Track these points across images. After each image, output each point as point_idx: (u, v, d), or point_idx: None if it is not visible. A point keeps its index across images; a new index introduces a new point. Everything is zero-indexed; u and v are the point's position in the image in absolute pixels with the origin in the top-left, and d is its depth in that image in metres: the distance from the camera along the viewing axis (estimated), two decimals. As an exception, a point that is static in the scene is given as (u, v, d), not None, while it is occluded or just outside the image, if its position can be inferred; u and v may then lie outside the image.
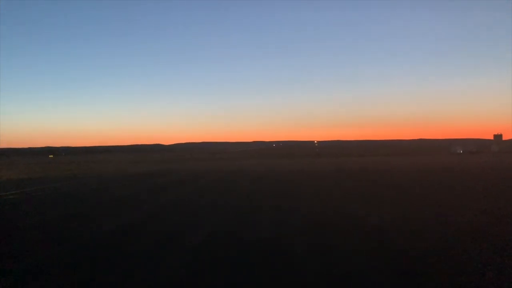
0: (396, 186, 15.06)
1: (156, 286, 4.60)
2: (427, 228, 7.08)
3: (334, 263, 5.21)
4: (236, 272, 4.99)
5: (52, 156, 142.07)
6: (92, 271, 5.19)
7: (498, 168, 26.05)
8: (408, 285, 4.33)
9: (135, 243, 6.84)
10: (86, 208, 11.18)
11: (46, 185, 19.48)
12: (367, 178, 19.28)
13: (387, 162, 38.85)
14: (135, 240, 7.09)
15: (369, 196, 12.02)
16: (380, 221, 7.89)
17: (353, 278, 4.58)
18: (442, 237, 6.35)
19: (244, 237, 6.95)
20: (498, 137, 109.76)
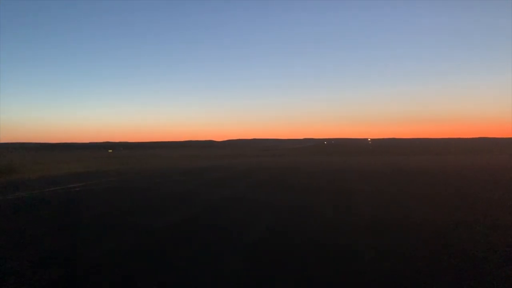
0: (462, 190, 14.13)
1: (219, 276, 4.73)
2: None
3: (398, 268, 4.92)
4: (294, 271, 4.92)
5: (111, 150, 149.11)
6: (162, 257, 5.36)
7: None
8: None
9: (198, 235, 6.90)
10: (148, 201, 11.53)
11: (107, 178, 20.35)
12: (430, 179, 18.33)
13: (448, 161, 36.87)
14: (197, 232, 7.16)
15: (436, 200, 11.35)
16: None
17: None
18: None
19: (299, 236, 6.77)
20: None
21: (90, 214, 9.27)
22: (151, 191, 14.02)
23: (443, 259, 5.25)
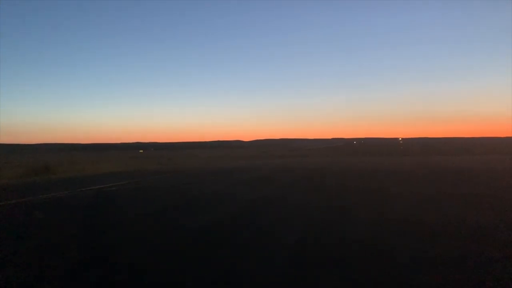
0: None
1: (260, 274, 4.72)
2: None
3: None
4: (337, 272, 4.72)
5: (142, 151, 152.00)
6: (201, 258, 5.26)
7: None
8: None
9: (236, 235, 6.82)
10: (183, 201, 11.53)
11: (142, 177, 20.60)
12: (469, 179, 17.59)
13: (487, 162, 35.46)
14: (235, 232, 7.08)
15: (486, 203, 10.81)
16: None
17: None
18: None
19: (337, 237, 6.52)
20: None
21: (127, 214, 9.32)
22: (185, 191, 14.04)
23: None
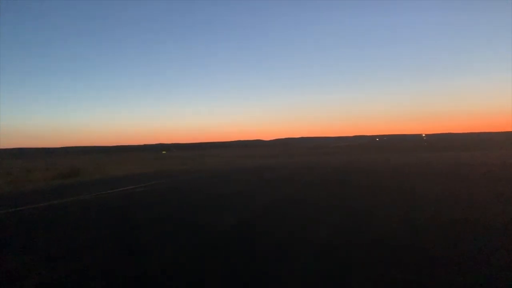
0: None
1: (292, 275, 4.55)
2: None
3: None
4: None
5: (165, 152, 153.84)
6: (227, 258, 5.00)
7: None
8: None
9: (264, 235, 6.62)
10: (210, 201, 11.35)
11: (167, 178, 20.57)
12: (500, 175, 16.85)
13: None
14: (262, 232, 6.88)
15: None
16: None
17: None
18: None
19: (365, 237, 6.08)
20: None
21: (155, 214, 9.17)
22: (210, 191, 13.85)
23: None
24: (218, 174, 23.40)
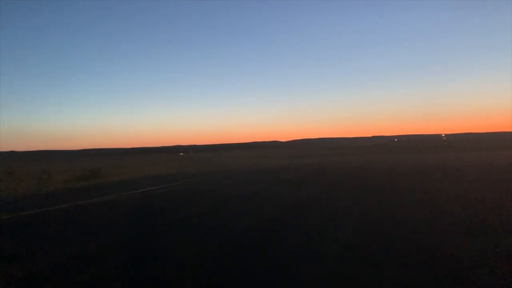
0: None
1: (315, 275, 4.55)
2: None
3: None
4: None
5: (182, 153, 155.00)
6: (249, 258, 5.02)
7: None
8: None
9: (284, 236, 6.58)
10: (229, 202, 11.36)
11: (187, 179, 20.67)
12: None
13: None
14: (283, 233, 6.83)
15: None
16: None
17: None
18: None
19: (388, 240, 5.95)
20: None
21: (177, 215, 9.21)
22: (228, 192, 13.85)
23: None
24: (236, 175, 23.43)
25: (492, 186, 13.01)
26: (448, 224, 7.11)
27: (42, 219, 9.42)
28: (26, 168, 50.67)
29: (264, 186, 15.51)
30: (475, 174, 18.34)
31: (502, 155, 38.54)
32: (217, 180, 20.11)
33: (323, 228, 7.18)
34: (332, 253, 5.46)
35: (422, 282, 4.27)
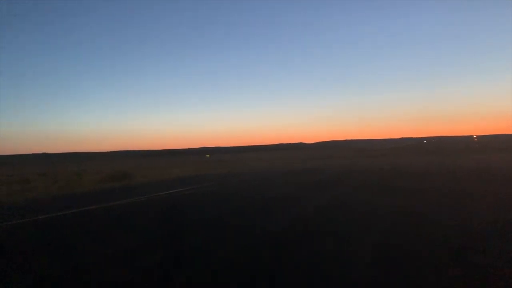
0: None
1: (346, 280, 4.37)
2: None
3: None
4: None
5: (209, 155, 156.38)
6: (279, 260, 4.74)
7: None
8: None
9: (313, 239, 6.43)
10: (257, 203, 11.29)
11: (214, 181, 20.69)
12: None
13: None
14: (312, 235, 6.70)
15: None
16: None
17: None
18: None
19: (422, 245, 5.60)
20: None
21: (207, 216, 9.20)
22: (256, 193, 13.76)
23: None
24: (263, 177, 23.31)
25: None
26: None
27: (75, 219, 9.58)
28: (59, 169, 52.10)
29: (292, 188, 15.30)
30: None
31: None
32: (243, 182, 20.06)
33: (352, 229, 6.94)
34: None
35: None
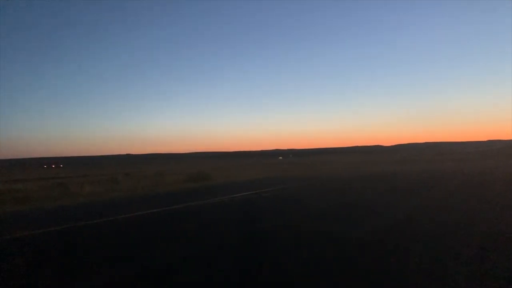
0: None
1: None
2: None
3: None
4: None
5: (281, 157, 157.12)
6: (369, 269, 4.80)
7: None
8: None
9: (400, 248, 6.08)
10: (334, 209, 11.05)
11: (288, 183, 20.71)
12: None
13: None
14: (399, 245, 6.31)
15: None
16: None
17: None
18: None
19: None
20: None
21: (283, 221, 9.17)
22: (333, 199, 13.51)
23: None
24: (339, 181, 22.85)
25: None
26: None
27: (156, 219, 10.18)
28: (141, 170, 55.56)
29: (370, 194, 14.80)
30: None
31: None
32: (318, 186, 19.84)
33: (443, 240, 6.55)
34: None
35: None
